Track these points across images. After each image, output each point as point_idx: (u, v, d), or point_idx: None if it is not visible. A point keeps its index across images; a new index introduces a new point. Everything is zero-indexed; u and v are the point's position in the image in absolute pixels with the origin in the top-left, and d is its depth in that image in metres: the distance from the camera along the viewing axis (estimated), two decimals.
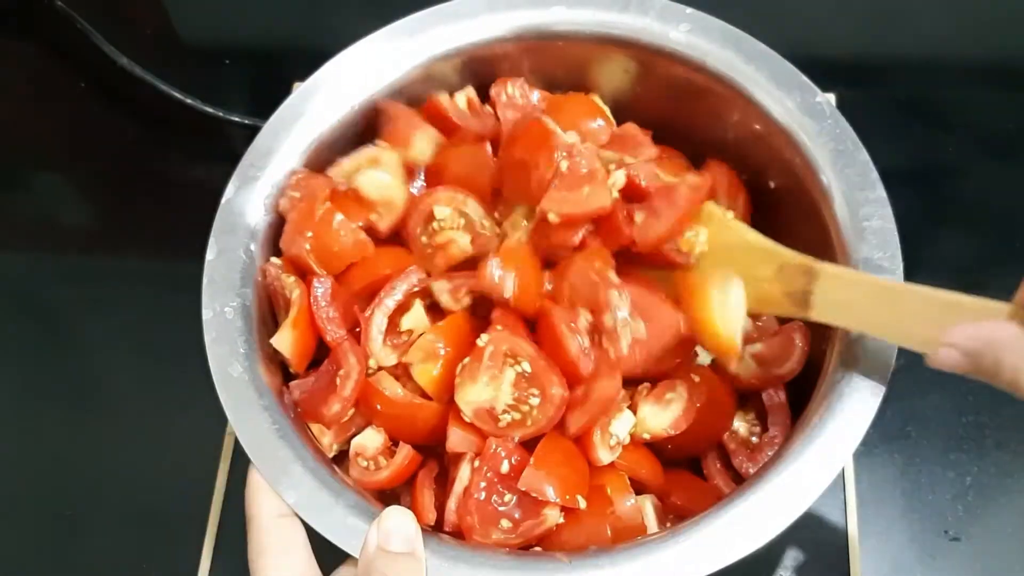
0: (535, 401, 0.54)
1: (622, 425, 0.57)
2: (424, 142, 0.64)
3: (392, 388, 0.58)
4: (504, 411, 0.54)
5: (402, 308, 0.59)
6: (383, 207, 0.62)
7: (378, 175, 0.62)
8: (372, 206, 0.62)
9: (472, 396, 0.54)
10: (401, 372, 0.59)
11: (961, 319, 0.46)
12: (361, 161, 0.64)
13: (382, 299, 0.58)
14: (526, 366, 0.55)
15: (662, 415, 0.58)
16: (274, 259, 0.60)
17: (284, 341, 0.57)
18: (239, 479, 0.51)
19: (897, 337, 0.51)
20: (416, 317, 0.59)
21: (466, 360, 0.55)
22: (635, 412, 0.58)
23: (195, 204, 0.61)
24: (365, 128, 0.66)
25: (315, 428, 0.57)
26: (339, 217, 0.60)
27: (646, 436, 0.58)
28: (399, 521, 0.47)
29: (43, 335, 0.78)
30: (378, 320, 0.58)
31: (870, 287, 0.52)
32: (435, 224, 0.61)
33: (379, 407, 0.57)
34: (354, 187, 0.61)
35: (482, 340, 0.55)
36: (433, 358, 0.57)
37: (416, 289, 0.60)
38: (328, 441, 0.58)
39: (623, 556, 0.48)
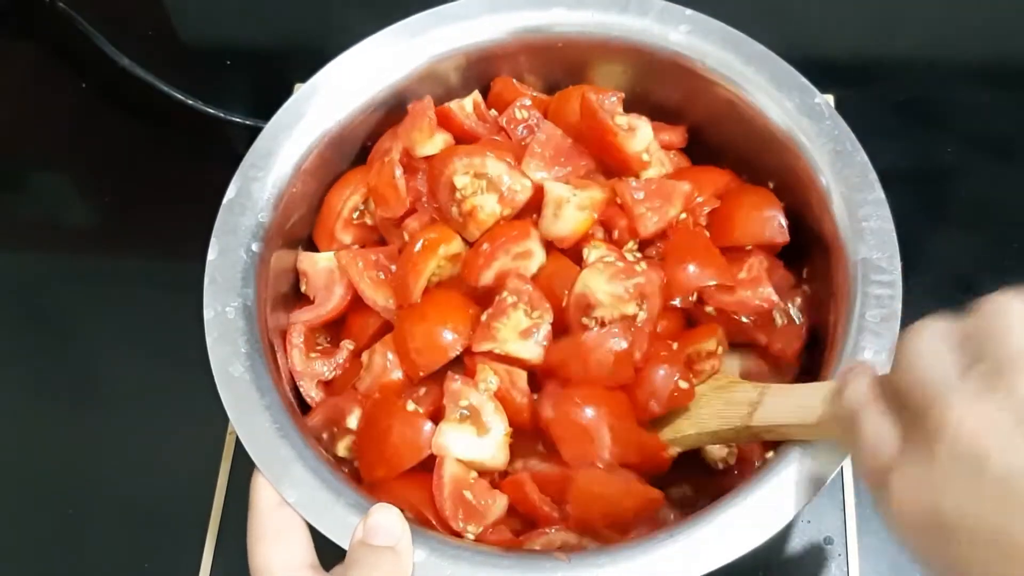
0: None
1: None
2: (440, 142, 0.64)
3: None
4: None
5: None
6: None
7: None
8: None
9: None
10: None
11: None
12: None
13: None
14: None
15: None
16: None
17: None
18: (240, 479, 0.52)
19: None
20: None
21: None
22: None
23: (196, 204, 0.61)
24: (366, 128, 0.66)
25: None
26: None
27: None
28: (384, 517, 0.48)
29: (43, 335, 0.78)
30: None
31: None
32: (457, 194, 0.61)
33: None
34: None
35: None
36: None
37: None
38: None
39: (623, 555, 0.48)
